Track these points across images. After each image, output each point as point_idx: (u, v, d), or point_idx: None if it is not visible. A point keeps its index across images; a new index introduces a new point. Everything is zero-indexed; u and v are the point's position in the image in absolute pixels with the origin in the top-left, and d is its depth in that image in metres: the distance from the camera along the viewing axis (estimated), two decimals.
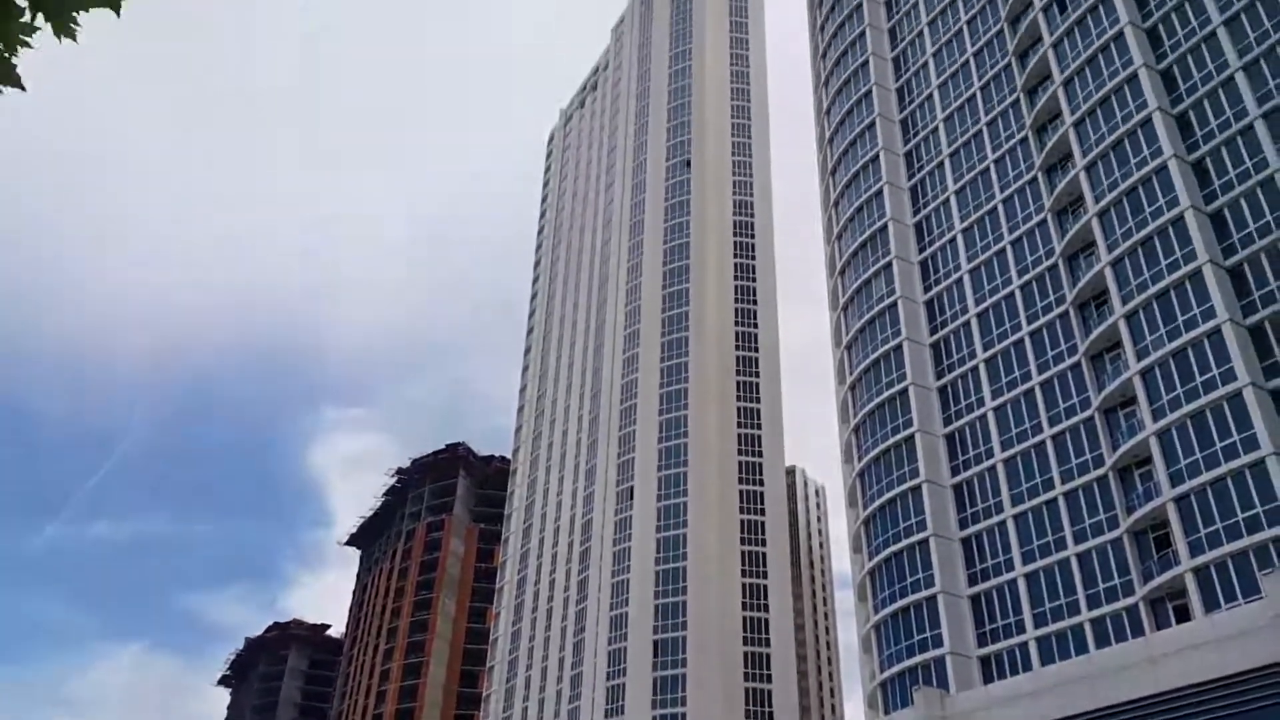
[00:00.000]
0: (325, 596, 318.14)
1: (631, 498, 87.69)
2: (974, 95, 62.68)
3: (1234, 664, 24.44)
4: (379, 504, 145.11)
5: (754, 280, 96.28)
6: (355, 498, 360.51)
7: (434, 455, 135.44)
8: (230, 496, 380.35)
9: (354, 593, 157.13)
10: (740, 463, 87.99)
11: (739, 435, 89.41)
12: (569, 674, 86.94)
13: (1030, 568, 48.77)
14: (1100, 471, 46.97)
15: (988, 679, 45.66)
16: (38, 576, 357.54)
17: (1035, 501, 49.73)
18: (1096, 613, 44.84)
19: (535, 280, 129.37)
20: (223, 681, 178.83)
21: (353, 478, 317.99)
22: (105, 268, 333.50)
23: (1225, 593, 38.88)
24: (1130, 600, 43.46)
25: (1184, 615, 39.74)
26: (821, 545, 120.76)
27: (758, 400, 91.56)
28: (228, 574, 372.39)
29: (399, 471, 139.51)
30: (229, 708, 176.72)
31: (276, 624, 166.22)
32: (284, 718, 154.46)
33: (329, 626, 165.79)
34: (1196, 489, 41.46)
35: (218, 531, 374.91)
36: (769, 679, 78.12)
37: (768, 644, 79.64)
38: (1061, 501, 48.48)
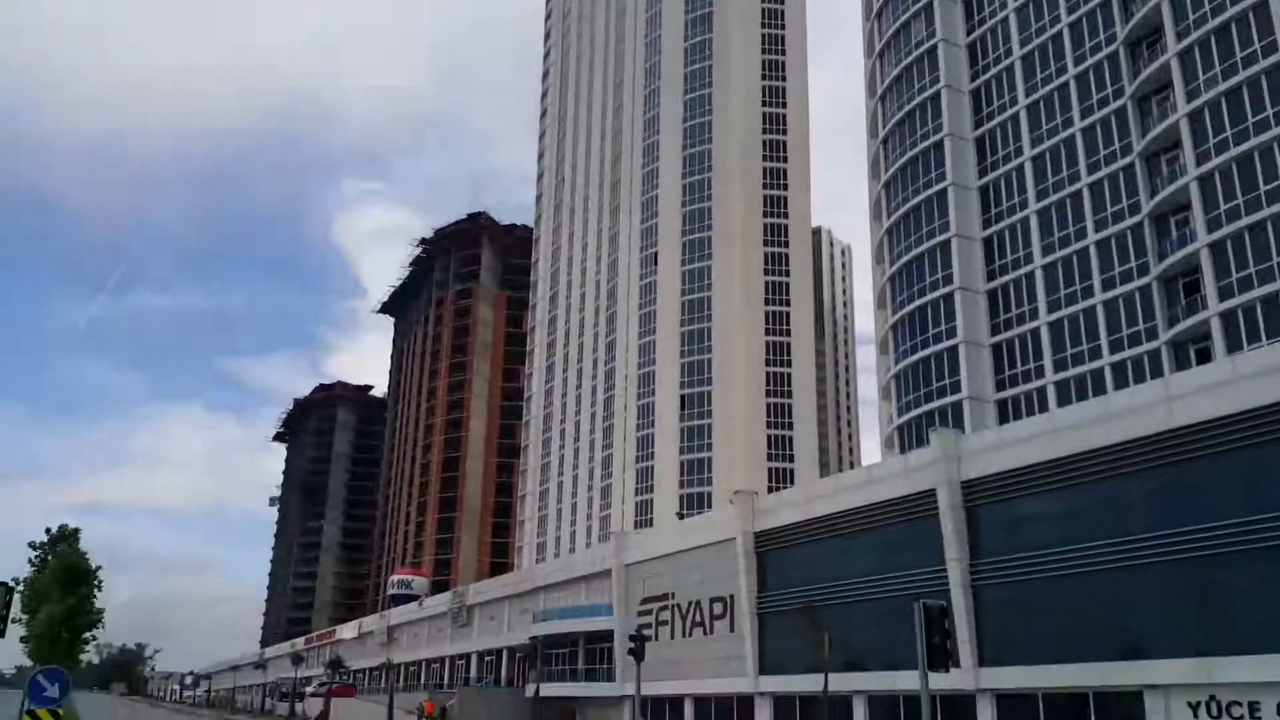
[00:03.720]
0: (365, 359, 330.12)
1: (655, 263, 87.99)
2: None
3: (1250, 400, 24.84)
4: (406, 274, 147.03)
5: (783, 29, 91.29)
6: (384, 268, 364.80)
7: (456, 225, 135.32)
8: (262, 269, 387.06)
9: (391, 357, 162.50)
10: (766, 225, 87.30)
11: (765, 197, 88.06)
12: (601, 425, 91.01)
13: (1055, 316, 49.22)
14: (1136, 219, 46.25)
15: (1004, 422, 47.34)
16: (89, 346, 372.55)
17: (1066, 251, 49.38)
18: (1118, 357, 45.70)
19: (547, 36, 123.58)
20: (277, 438, 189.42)
21: (380, 249, 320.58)
22: (120, 49, 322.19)
23: (1250, 336, 39.32)
24: (1153, 345, 44.10)
25: (1205, 359, 40.41)
26: (845, 304, 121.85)
27: (785, 160, 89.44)
28: (269, 341, 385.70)
29: (423, 241, 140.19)
30: (286, 461, 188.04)
31: (322, 385, 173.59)
32: (338, 469, 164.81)
33: (372, 387, 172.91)
34: (1233, 234, 40.89)
35: (254, 302, 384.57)
36: (791, 427, 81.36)
37: (790, 395, 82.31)
38: (1093, 250, 48.11)
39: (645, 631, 38.82)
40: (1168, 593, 25.62)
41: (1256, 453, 24.61)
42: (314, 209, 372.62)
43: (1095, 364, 46.71)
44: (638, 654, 27.87)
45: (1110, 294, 46.84)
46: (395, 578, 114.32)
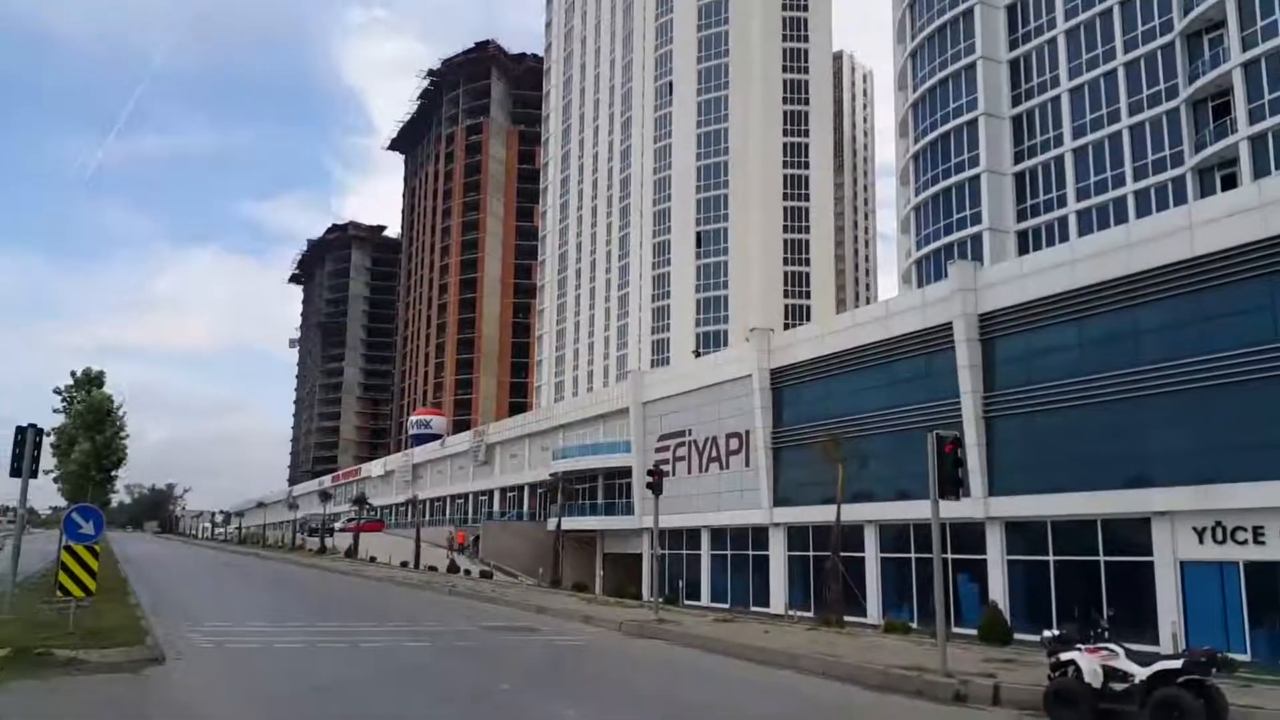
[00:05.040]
0: (377, 200, 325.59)
1: (671, 92, 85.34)
2: None
3: (1276, 226, 24.21)
4: (414, 109, 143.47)
5: None
6: (394, 104, 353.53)
7: (464, 55, 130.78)
8: (270, 108, 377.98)
9: (404, 196, 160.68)
10: (785, 50, 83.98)
11: (784, 19, 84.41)
12: (616, 263, 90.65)
13: (1080, 142, 47.77)
14: (1167, 39, 44.15)
15: (1024, 253, 46.69)
16: (101, 190, 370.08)
17: (1094, 73, 47.44)
18: (1142, 184, 44.59)
19: None
20: (293, 280, 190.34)
21: (388, 83, 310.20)
22: None
23: (1279, 160, 38.11)
24: (1179, 171, 42.90)
25: (1231, 185, 39.34)
26: (866, 134, 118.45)
27: None
28: (282, 182, 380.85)
29: (430, 73, 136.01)
30: (303, 303, 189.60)
31: (335, 226, 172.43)
32: (355, 310, 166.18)
33: (385, 228, 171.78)
34: (1269, 53, 39.07)
35: (264, 142, 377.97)
36: (808, 263, 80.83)
37: (807, 231, 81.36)
38: (1121, 73, 46.18)
39: (663, 467, 39.80)
40: (1177, 421, 25.84)
41: (1268, 281, 24.19)
42: (320, 42, 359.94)
43: (1118, 192, 45.65)
44: (655, 489, 28.59)
45: (1137, 118, 45.28)
46: (415, 418, 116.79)
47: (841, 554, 33.37)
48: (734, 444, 43.07)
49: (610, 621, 25.23)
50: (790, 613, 36.04)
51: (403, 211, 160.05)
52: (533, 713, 12.13)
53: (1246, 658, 22.65)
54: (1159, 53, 44.68)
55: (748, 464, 41.88)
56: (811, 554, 38.29)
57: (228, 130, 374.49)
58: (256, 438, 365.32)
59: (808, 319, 73.32)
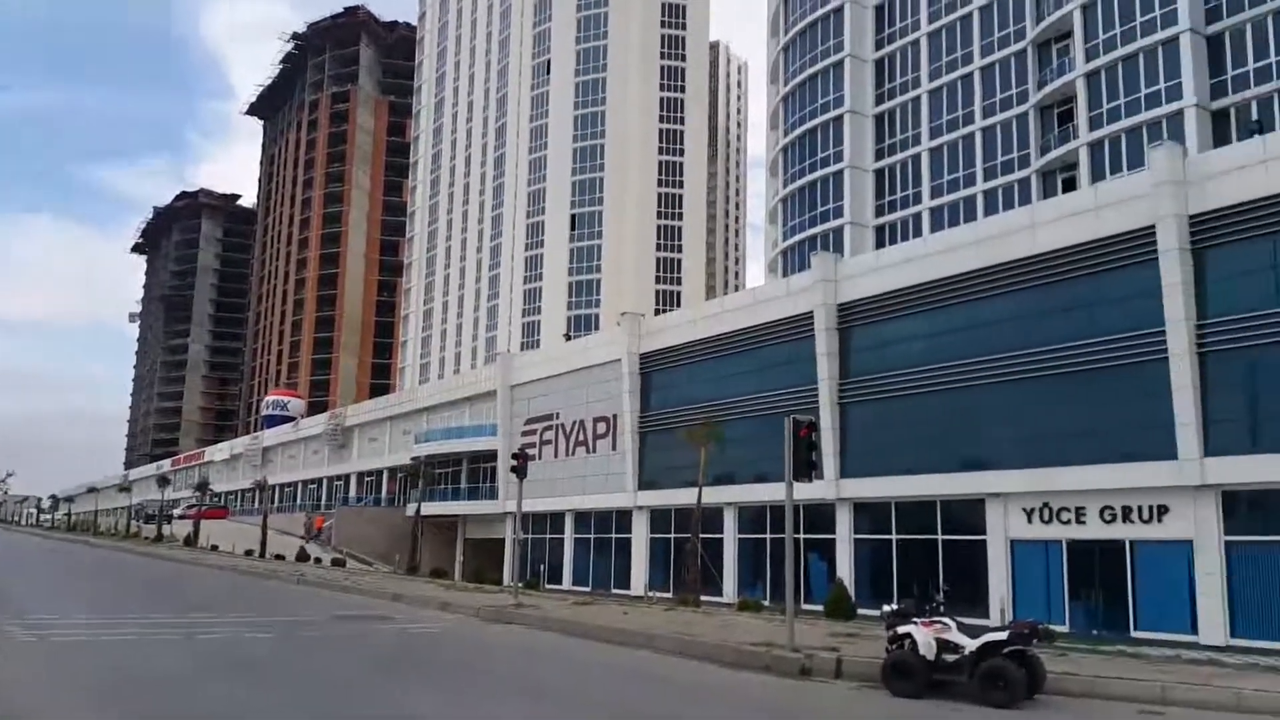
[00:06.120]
0: (235, 169, 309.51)
1: (548, 72, 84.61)
2: None
3: (1110, 227, 25.83)
4: (277, 73, 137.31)
5: None
6: (257, 69, 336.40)
7: (332, 19, 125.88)
8: (122, 65, 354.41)
9: (261, 164, 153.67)
10: (663, 36, 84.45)
11: (664, 4, 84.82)
12: (489, 244, 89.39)
13: (936, 142, 49.93)
14: (1020, 45, 46.57)
15: (881, 247, 48.49)
16: None
17: (953, 76, 49.64)
18: (991, 184, 46.98)
19: None
20: (136, 249, 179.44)
21: (251, 46, 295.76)
22: None
23: (1113, 166, 40.78)
24: (1025, 173, 45.39)
25: (1071, 187, 41.85)
26: (739, 124, 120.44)
27: None
28: (133, 147, 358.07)
29: (295, 36, 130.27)
30: (147, 275, 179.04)
31: (184, 193, 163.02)
32: (204, 283, 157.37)
33: (240, 197, 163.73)
34: (1108, 65, 41.65)
35: (113, 102, 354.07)
36: (680, 250, 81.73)
37: (680, 218, 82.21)
38: (977, 76, 48.48)
39: (530, 450, 39.47)
40: (1012, 409, 27.33)
41: (1099, 279, 25.80)
42: None
43: (969, 190, 47.96)
44: (520, 472, 28.35)
45: (989, 121, 47.64)
46: (270, 398, 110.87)
47: (701, 535, 33.95)
48: (601, 428, 43.15)
49: (468, 608, 24.95)
50: (650, 594, 36.45)
51: (260, 180, 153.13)
52: (378, 701, 11.82)
53: (1065, 629, 24.23)
54: (1012, 59, 47.08)
55: (614, 447, 42.05)
56: (673, 536, 38.76)
57: (76, 89, 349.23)
58: (90, 418, 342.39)
59: (679, 305, 74.13)
